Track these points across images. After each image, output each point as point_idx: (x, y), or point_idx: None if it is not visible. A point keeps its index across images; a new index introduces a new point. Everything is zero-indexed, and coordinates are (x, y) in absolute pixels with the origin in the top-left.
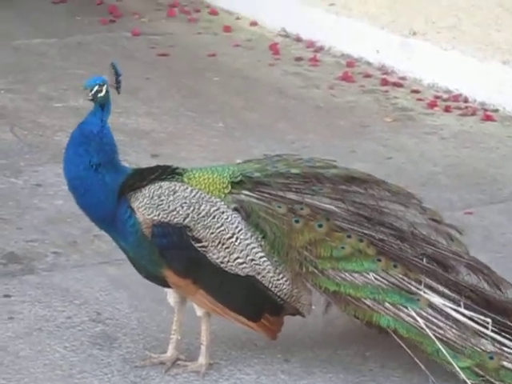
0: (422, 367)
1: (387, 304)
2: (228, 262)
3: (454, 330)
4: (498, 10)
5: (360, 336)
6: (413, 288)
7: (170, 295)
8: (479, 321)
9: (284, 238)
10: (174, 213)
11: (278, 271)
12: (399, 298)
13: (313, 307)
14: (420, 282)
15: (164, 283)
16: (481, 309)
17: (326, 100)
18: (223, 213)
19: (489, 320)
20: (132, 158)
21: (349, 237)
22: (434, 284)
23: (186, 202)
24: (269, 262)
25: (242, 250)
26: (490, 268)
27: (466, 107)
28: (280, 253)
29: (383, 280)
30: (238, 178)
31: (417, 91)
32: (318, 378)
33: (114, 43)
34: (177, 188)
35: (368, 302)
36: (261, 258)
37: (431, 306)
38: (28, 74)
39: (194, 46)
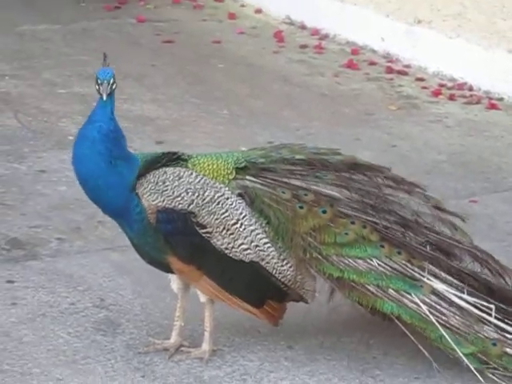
0: (426, 354)
1: (391, 290)
2: (232, 248)
3: (457, 317)
4: None
5: (364, 324)
6: (416, 274)
7: (174, 281)
8: (482, 307)
9: (288, 224)
10: (179, 199)
11: (282, 257)
12: (403, 284)
13: (316, 294)
14: (423, 269)
15: (168, 269)
16: (484, 296)
17: (331, 88)
18: (228, 199)
19: (492, 306)
20: (136, 144)
21: (352, 223)
22: (437, 271)
23: (190, 188)
24: (273, 248)
25: (246, 236)
26: (494, 257)
27: (471, 95)
28: (284, 239)
29: (387, 266)
30: (243, 164)
31: (421, 79)
32: (322, 365)
33: (119, 30)
34: (181, 174)
35: (372, 288)
36: (265, 244)
37: (435, 292)
38: (32, 60)
39: (199, 33)
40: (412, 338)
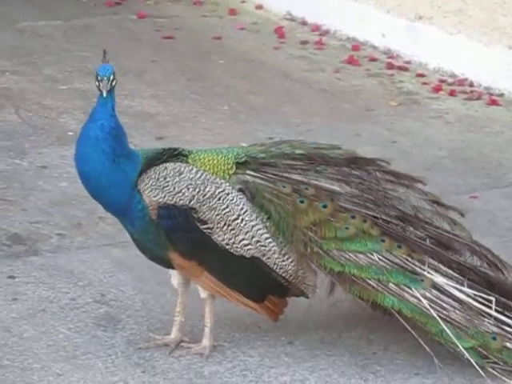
0: (427, 349)
1: (391, 284)
2: (233, 243)
3: (457, 311)
4: None
5: (364, 319)
6: (417, 268)
7: (174, 277)
8: (482, 301)
9: (289, 219)
10: (180, 194)
11: (283, 252)
12: (403, 278)
13: (317, 289)
14: (424, 263)
15: (169, 265)
16: (484, 289)
17: (332, 83)
18: (228, 194)
19: (492, 299)
20: (137, 140)
21: (353, 217)
22: (437, 264)
23: (191, 184)
24: (274, 243)
25: (247, 232)
26: (494, 252)
27: (472, 91)
28: (285, 234)
29: (387, 260)
30: (243, 159)
31: (422, 75)
32: (322, 361)
33: (120, 26)
34: (182, 169)
35: (372, 282)
36: (266, 239)
37: (435, 286)
38: (33, 56)
39: (200, 29)
40: (413, 332)
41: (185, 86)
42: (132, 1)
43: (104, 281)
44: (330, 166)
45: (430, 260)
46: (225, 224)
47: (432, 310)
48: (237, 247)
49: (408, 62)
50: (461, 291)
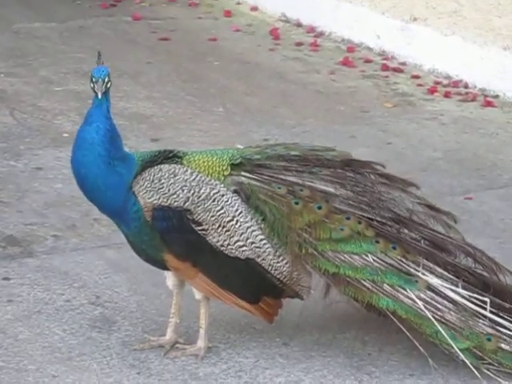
0: (422, 350)
1: (386, 286)
2: (228, 245)
3: (452, 312)
4: None
5: (359, 320)
6: (411, 270)
7: (169, 278)
8: (477, 302)
9: (284, 220)
10: (175, 196)
11: (277, 254)
12: (398, 279)
13: (312, 291)
14: (418, 264)
15: (164, 266)
16: (479, 290)
17: (327, 85)
18: (223, 195)
19: (486, 300)
20: (132, 142)
21: (348, 219)
22: (432, 266)
23: (186, 185)
24: (269, 245)
25: (242, 233)
26: (488, 255)
27: (467, 93)
28: (280, 235)
29: (382, 262)
30: (238, 160)
31: (417, 77)
32: (317, 362)
33: (115, 27)
34: (177, 171)
35: (367, 283)
36: (261, 240)
37: (430, 287)
38: (28, 57)
39: (195, 31)
40: (408, 334)
41: (180, 87)
42: (127, 2)
43: (99, 282)
44: (325, 168)
45: (425, 261)
46: (219, 225)
47: (427, 311)
48: (231, 249)
49: (403, 64)
50: (455, 292)
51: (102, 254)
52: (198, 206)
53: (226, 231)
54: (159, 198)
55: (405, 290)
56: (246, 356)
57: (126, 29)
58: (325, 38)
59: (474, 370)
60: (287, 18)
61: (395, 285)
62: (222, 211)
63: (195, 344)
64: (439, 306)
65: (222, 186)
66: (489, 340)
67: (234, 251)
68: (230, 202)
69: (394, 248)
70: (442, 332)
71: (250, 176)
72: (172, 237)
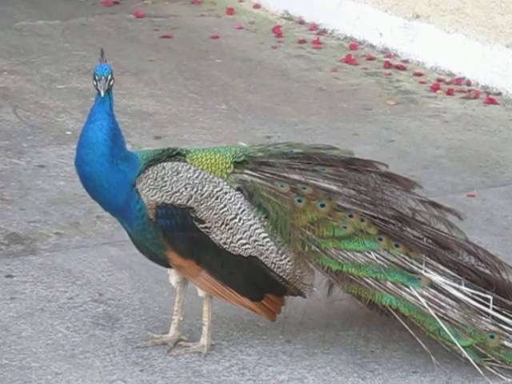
0: (424, 348)
1: (389, 283)
2: (231, 242)
3: (455, 309)
4: None
5: (362, 318)
6: (414, 267)
7: (172, 276)
8: (480, 299)
9: (287, 218)
10: (178, 194)
11: (280, 251)
12: (401, 277)
13: (314, 289)
14: (421, 262)
15: (167, 264)
16: (481, 287)
17: (329, 83)
18: (226, 193)
19: (489, 297)
20: (135, 139)
21: (350, 216)
22: (435, 263)
23: (189, 183)
24: (272, 243)
25: (245, 231)
26: (491, 253)
27: (469, 90)
28: (283, 233)
29: (385, 259)
30: (241, 158)
31: (420, 74)
32: (320, 359)
33: (118, 25)
34: (180, 168)
35: (370, 281)
36: (264, 238)
37: (433, 285)
38: (31, 55)
39: (197, 28)
40: (410, 331)
41: (183, 85)
42: (130, 0)
43: (102, 280)
44: (328, 166)
45: (428, 259)
46: (222, 223)
47: (430, 309)
48: (234, 246)
49: (405, 61)
50: (458, 290)
51: (105, 252)
52: (201, 204)
53: (229, 229)
54: (162, 196)
55: (408, 287)
56: (249, 353)
57: (129, 26)
58: (327, 35)
59: (476, 367)
60: (290, 16)
61: (398, 282)
62: (225, 209)
63: (198, 341)
64: (442, 304)
65: (225, 183)
66: (491, 337)
67: (236, 249)
68: (232, 199)
69: (397, 246)
70: (445, 329)
71: (253, 174)
72: (175, 235)
